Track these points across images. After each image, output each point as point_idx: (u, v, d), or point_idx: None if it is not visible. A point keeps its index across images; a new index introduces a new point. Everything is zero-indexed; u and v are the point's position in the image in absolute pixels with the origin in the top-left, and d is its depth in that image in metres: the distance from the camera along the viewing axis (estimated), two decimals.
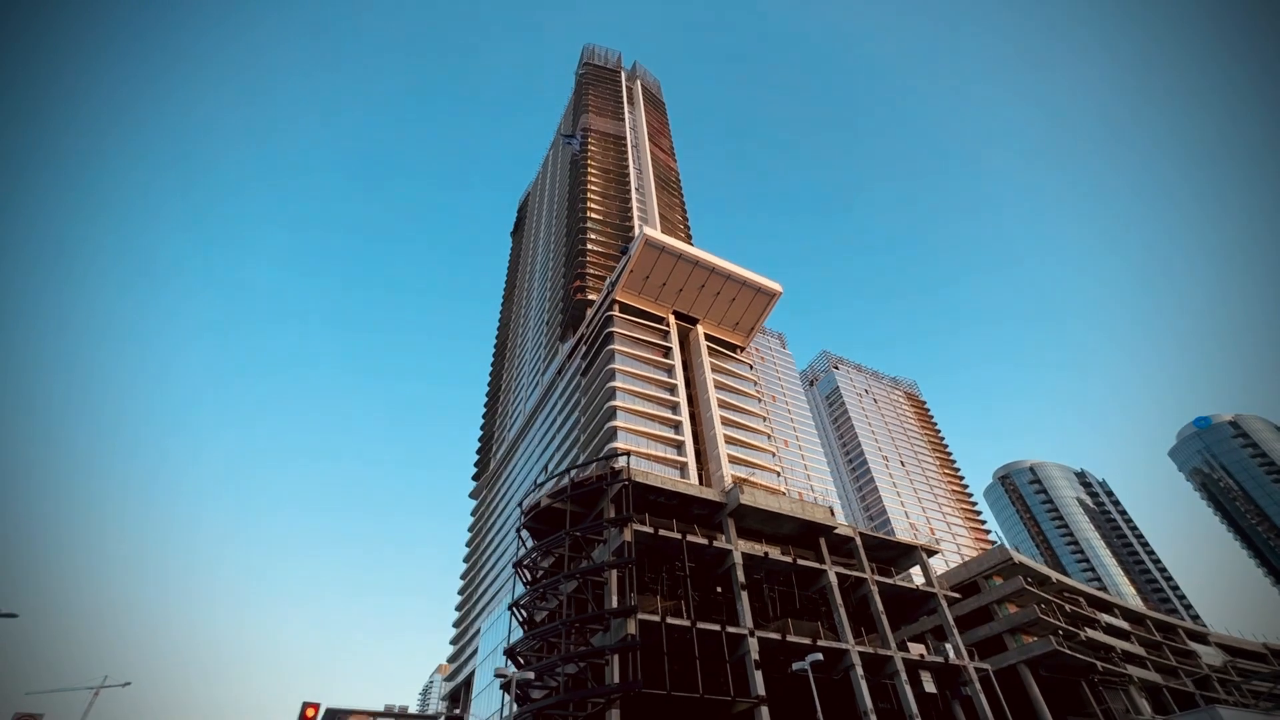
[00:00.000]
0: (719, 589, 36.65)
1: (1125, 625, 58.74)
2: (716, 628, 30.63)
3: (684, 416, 59.91)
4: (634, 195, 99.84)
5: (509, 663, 31.50)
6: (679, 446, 57.66)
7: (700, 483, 56.71)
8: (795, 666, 24.53)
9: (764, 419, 68.51)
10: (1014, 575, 51.08)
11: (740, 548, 35.48)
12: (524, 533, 37.29)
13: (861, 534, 41.86)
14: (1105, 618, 56.92)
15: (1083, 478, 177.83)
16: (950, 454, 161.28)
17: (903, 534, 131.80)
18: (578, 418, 65.20)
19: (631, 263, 67.02)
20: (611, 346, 62.79)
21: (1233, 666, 67.56)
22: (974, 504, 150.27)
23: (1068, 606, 52.52)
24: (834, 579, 37.30)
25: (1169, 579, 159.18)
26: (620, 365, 61.27)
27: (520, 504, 38.73)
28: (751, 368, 74.83)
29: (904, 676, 34.79)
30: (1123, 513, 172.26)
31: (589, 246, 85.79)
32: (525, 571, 33.96)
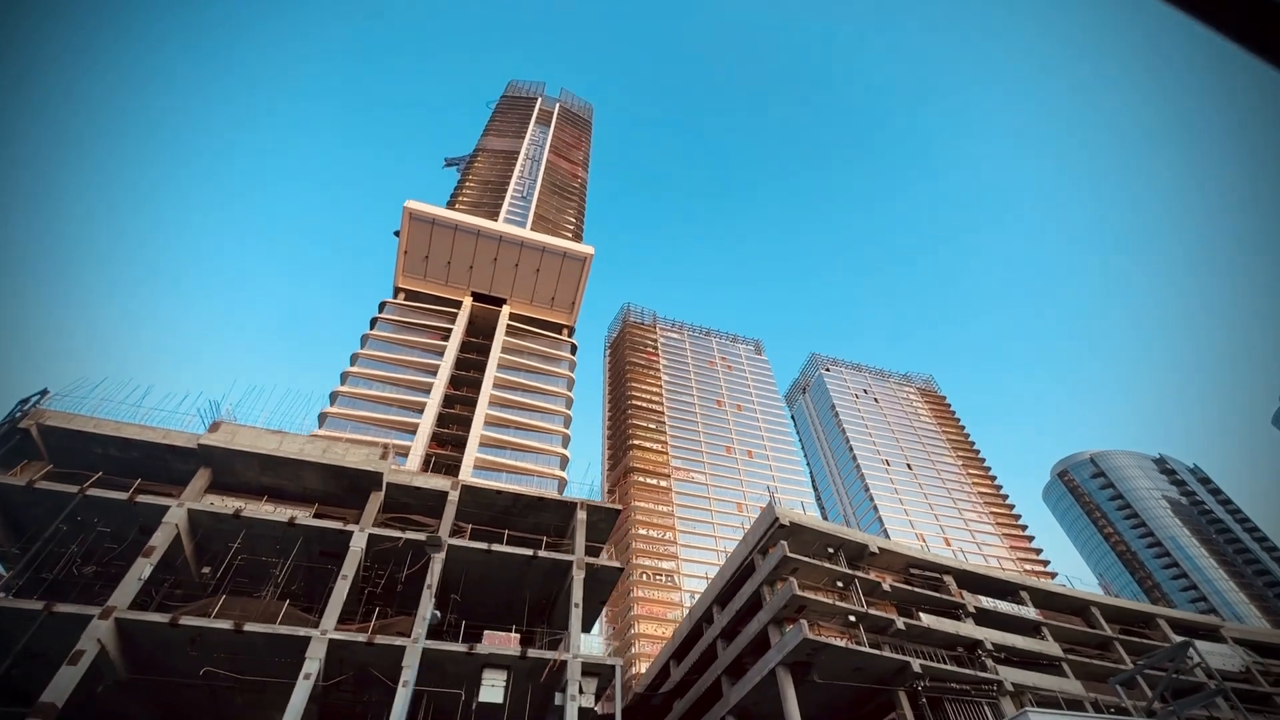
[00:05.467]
0: (205, 569, 26.98)
1: (1032, 614, 41.35)
2: (39, 607, 21.17)
3: (430, 400, 50.72)
4: (508, 198, 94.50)
5: None
6: (413, 431, 48.35)
7: (434, 469, 46.76)
8: None
9: (567, 399, 57.54)
10: (793, 542, 36.84)
11: (206, 505, 25.91)
12: None
13: (466, 486, 30.71)
14: (987, 602, 40.18)
15: (1163, 465, 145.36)
16: (977, 452, 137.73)
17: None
18: None
19: (403, 242, 60.45)
20: (367, 333, 55.53)
21: (1259, 669, 46.40)
22: (1010, 506, 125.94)
23: (886, 583, 37.04)
24: (362, 544, 26.56)
25: None
26: (369, 351, 53.70)
27: None
28: (574, 349, 64.51)
29: (408, 676, 23.12)
30: (1225, 502, 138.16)
31: None
32: None
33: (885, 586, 36.59)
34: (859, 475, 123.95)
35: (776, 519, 36.36)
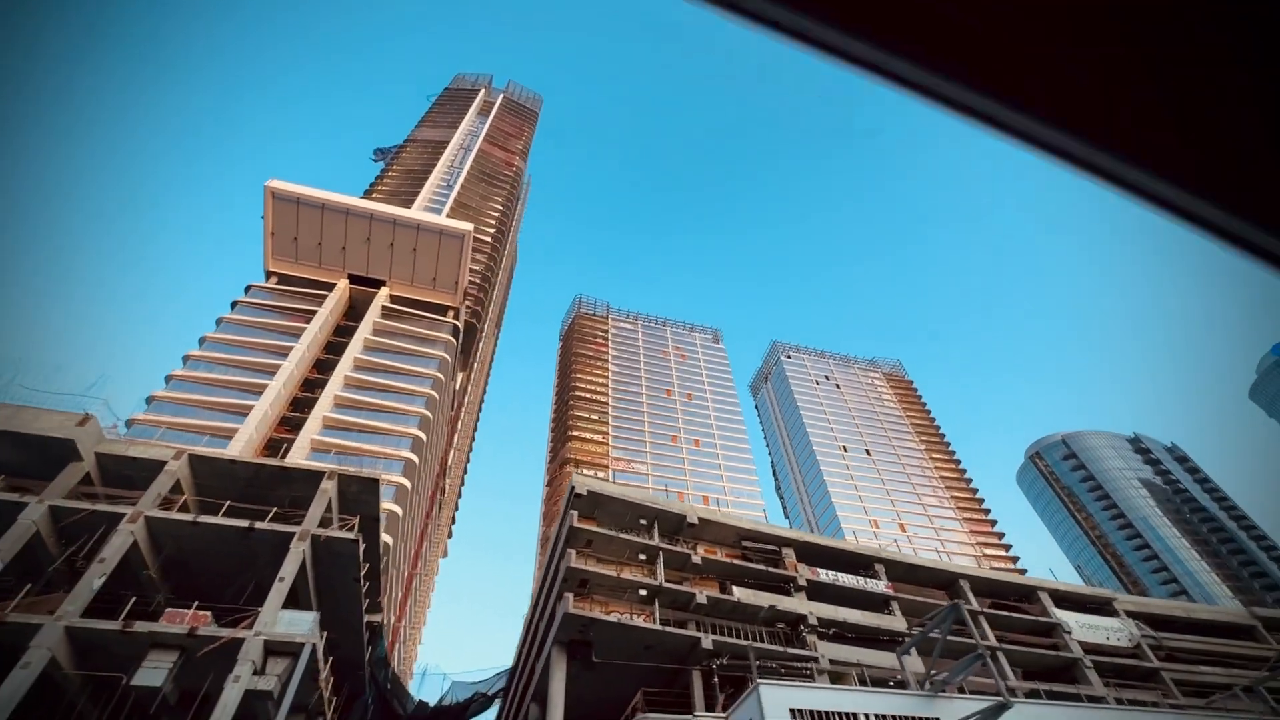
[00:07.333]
0: None
1: (881, 588, 38.34)
2: None
3: (274, 383, 48.33)
4: (428, 186, 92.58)
5: None
6: (244, 414, 45.98)
7: (278, 453, 44.42)
8: None
9: (435, 380, 54.91)
10: (601, 514, 34.11)
11: None
12: None
13: (197, 457, 28.26)
14: (826, 576, 37.23)
15: (1138, 444, 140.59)
16: (942, 436, 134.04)
17: (861, 534, 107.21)
18: None
19: (268, 224, 58.29)
20: (223, 316, 53.40)
21: (1150, 644, 43.07)
22: (974, 490, 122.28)
23: (697, 556, 34.16)
24: (35, 516, 24.19)
25: None
26: (220, 334, 51.55)
27: None
28: (456, 331, 62.11)
29: (32, 657, 20.71)
30: (1202, 480, 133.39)
31: None
32: None
33: (695, 559, 33.78)
34: (815, 462, 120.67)
35: (573, 488, 33.65)
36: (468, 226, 62.77)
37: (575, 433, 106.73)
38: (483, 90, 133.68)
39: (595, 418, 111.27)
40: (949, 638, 25.46)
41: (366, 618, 34.62)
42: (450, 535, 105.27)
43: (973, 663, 22.51)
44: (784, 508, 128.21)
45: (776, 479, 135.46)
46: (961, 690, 25.41)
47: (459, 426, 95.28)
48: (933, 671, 24.53)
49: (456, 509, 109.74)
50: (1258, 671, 38.61)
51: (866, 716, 21.97)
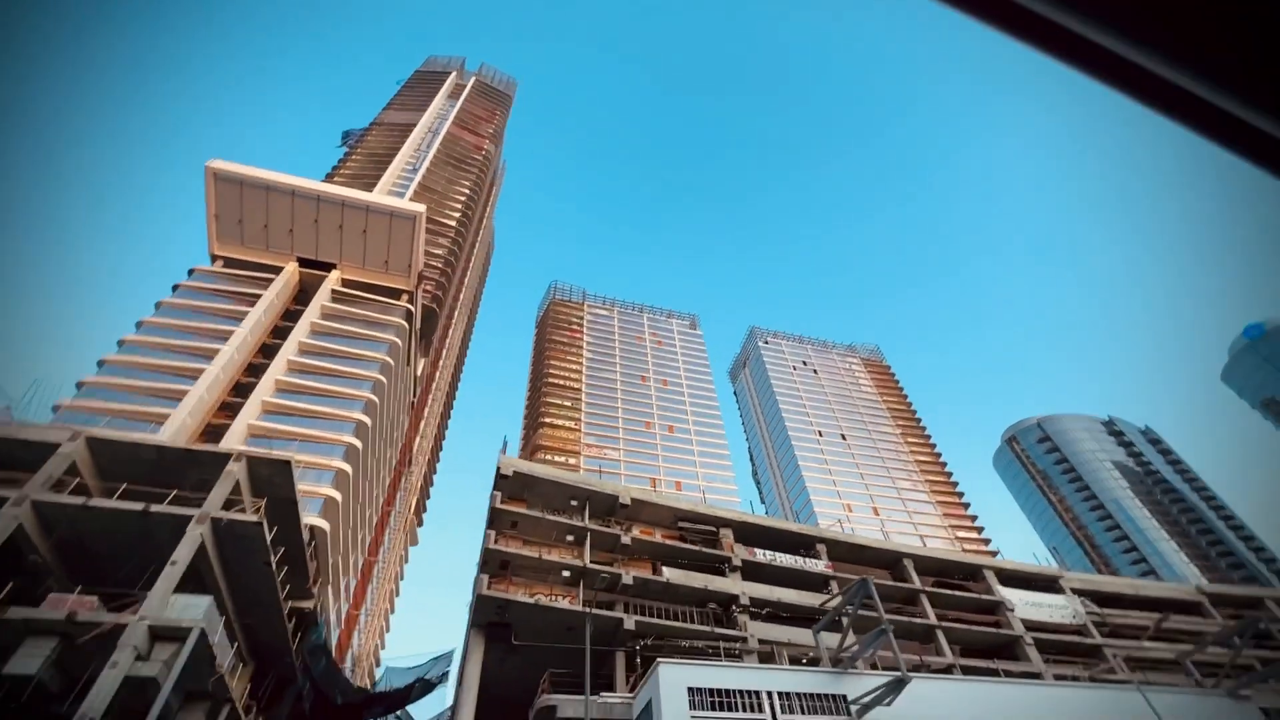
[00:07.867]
0: None
1: (819, 568, 37.98)
2: None
3: (212, 367, 47.14)
4: (392, 170, 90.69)
5: None
6: (178, 399, 44.80)
7: (211, 438, 43.36)
8: None
9: (384, 364, 53.77)
10: (531, 495, 33.42)
11: None
12: None
13: (97, 440, 27.23)
14: (763, 555, 36.81)
15: (1112, 427, 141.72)
16: (918, 420, 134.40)
17: (827, 518, 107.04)
18: None
19: (211, 206, 56.71)
20: (163, 300, 52.00)
21: (1095, 620, 43.11)
22: (948, 474, 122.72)
23: (627, 537, 33.59)
24: None
25: (1251, 541, 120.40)
26: (159, 319, 50.21)
27: None
28: (409, 314, 60.83)
29: None
30: (1174, 462, 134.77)
31: None
32: None
33: (626, 540, 33.22)
34: (790, 447, 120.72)
35: (499, 469, 32.93)
36: (419, 208, 61.34)
37: (547, 419, 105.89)
38: (454, 73, 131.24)
39: (568, 404, 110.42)
40: (863, 613, 25.04)
41: (291, 604, 33.89)
42: (420, 523, 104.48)
43: (877, 638, 22.07)
44: (760, 494, 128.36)
45: (753, 464, 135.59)
46: (875, 666, 25.04)
47: (426, 414, 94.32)
48: (845, 647, 24.13)
49: (428, 496, 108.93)
50: (1190, 646, 38.69)
51: (769, 694, 21.49)
